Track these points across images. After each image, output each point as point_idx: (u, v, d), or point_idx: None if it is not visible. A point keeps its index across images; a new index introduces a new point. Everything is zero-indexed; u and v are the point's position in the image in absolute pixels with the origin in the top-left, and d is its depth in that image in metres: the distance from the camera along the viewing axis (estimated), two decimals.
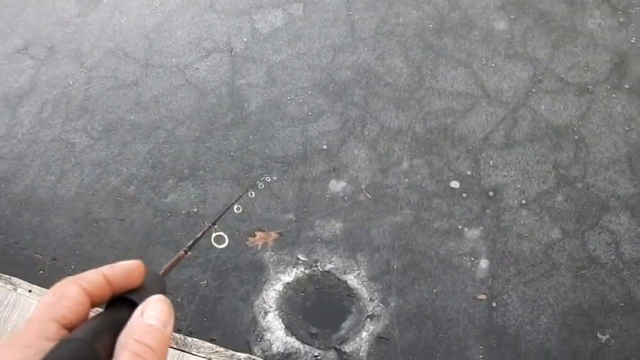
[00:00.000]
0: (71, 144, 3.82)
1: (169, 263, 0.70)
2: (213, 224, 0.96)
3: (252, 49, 4.15)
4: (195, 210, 3.45)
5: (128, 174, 3.65)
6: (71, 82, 4.14)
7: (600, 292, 3.08)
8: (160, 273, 0.65)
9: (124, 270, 0.56)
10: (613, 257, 3.17)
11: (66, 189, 3.63)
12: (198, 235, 0.86)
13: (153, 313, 0.52)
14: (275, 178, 3.53)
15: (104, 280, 0.54)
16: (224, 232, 0.99)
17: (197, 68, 4.10)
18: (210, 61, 4.13)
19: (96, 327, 0.50)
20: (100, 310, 0.55)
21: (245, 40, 4.21)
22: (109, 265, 0.56)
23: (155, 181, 3.60)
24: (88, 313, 0.53)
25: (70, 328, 0.51)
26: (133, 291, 0.56)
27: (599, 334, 2.97)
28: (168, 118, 3.86)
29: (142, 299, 0.54)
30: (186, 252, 0.78)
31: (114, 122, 3.89)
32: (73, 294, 0.52)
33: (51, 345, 0.47)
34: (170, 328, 0.53)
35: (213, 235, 0.96)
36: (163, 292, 0.60)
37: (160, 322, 0.52)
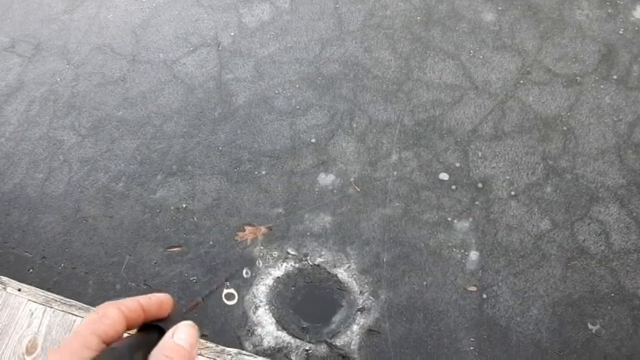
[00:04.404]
0: (59, 141, 3.79)
1: (188, 307, 0.79)
2: (226, 280, 1.06)
3: (239, 44, 4.13)
4: (184, 205, 3.44)
5: (117, 170, 3.63)
6: (58, 80, 4.11)
7: (590, 282, 3.09)
8: (183, 311, 0.74)
9: (158, 301, 0.67)
10: (603, 248, 3.18)
11: (54, 187, 3.60)
12: (213, 288, 0.96)
13: (182, 335, 0.63)
14: (264, 172, 3.52)
15: (140, 307, 0.64)
16: (234, 290, 1.07)
17: (184, 63, 4.08)
18: (197, 56, 4.11)
19: (132, 343, 0.60)
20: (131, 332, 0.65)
21: (232, 34, 4.19)
22: (146, 295, 0.66)
23: (144, 177, 3.58)
24: (123, 333, 0.62)
25: (108, 343, 0.59)
26: (161, 320, 0.67)
27: (589, 325, 2.97)
28: (156, 113, 3.84)
29: (169, 327, 0.64)
30: (202, 300, 0.86)
31: (102, 119, 3.87)
32: (113, 314, 0.61)
33: (92, 354, 0.56)
34: (195, 350, 0.63)
35: (225, 292, 1.06)
36: None
37: (187, 343, 0.62)
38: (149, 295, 0.66)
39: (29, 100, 4.02)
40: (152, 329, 0.65)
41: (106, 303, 0.62)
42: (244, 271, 1.23)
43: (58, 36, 4.39)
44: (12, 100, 4.04)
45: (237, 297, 1.04)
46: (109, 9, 4.50)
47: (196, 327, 0.65)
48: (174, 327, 0.63)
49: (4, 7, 4.66)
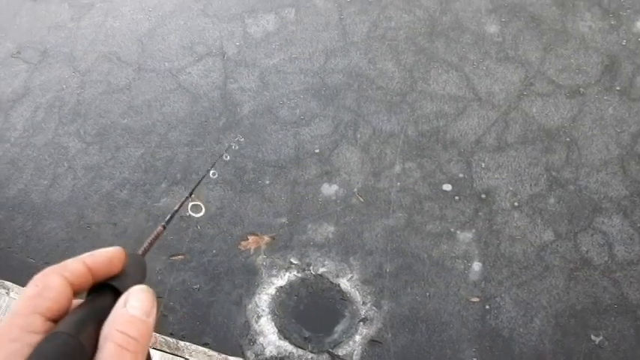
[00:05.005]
0: (64, 148, 3.81)
1: (148, 241, 0.69)
2: (190, 194, 0.93)
3: (244, 54, 4.16)
4: (187, 214, 3.42)
5: (121, 178, 3.64)
6: (64, 87, 4.14)
7: (593, 293, 3.08)
8: (139, 253, 0.64)
9: (105, 257, 0.56)
10: (606, 259, 3.18)
11: (59, 193, 3.62)
12: (175, 209, 0.84)
13: (135, 303, 0.52)
14: (267, 181, 3.53)
15: (86, 269, 0.54)
16: (200, 202, 0.97)
17: (190, 72, 4.10)
18: (202, 65, 4.13)
19: (80, 319, 0.50)
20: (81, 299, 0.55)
21: (237, 44, 4.22)
22: (90, 253, 0.55)
23: (148, 185, 3.60)
24: (70, 303, 0.52)
25: (55, 320, 0.50)
26: (114, 277, 0.56)
27: (592, 336, 2.97)
28: (161, 122, 3.86)
29: (124, 285, 0.55)
30: (164, 227, 0.76)
31: (107, 126, 3.89)
32: (56, 285, 0.51)
33: (37, 338, 0.47)
34: (153, 317, 0.53)
35: (190, 204, 0.94)
36: (144, 275, 0.61)
37: (142, 311, 0.51)
38: (94, 252, 0.55)
39: (35, 106, 4.05)
40: (105, 290, 0.55)
41: (46, 270, 0.52)
42: (211, 173, 1.13)
43: (64, 43, 4.42)
44: (18, 106, 4.06)
45: (204, 208, 0.92)
46: (116, 17, 4.53)
47: (151, 290, 0.54)
48: (126, 294, 0.53)
49: (12, 13, 4.70)
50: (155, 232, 0.71)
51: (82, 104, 4.02)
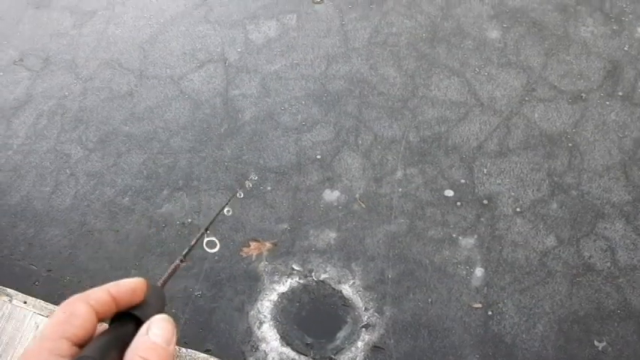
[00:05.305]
0: (66, 155, 3.82)
1: (166, 274, 0.73)
2: (206, 230, 0.99)
3: (246, 60, 4.17)
4: (189, 220, 3.45)
5: (123, 185, 3.65)
6: (66, 94, 4.15)
7: (596, 299, 3.07)
8: (159, 284, 0.68)
9: (129, 287, 0.60)
10: (609, 264, 3.17)
11: (61, 200, 3.62)
12: (192, 243, 0.89)
13: (157, 331, 0.56)
14: (269, 187, 3.53)
15: (110, 298, 0.58)
16: (215, 238, 1.01)
17: (191, 79, 4.11)
18: (204, 71, 4.14)
19: (104, 344, 0.54)
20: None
21: (239, 50, 4.23)
22: (114, 283, 0.60)
23: (150, 191, 3.60)
24: (95, 329, 0.56)
25: (81, 345, 0.54)
26: (136, 306, 0.61)
27: (595, 342, 2.96)
28: (163, 128, 3.87)
29: (145, 314, 0.60)
30: (182, 261, 0.81)
31: (109, 133, 3.89)
32: (82, 312, 0.55)
33: None
34: (173, 345, 0.57)
35: (205, 240, 0.99)
36: (164, 305, 0.65)
37: (164, 339, 0.56)
38: (119, 282, 0.60)
39: (37, 113, 4.06)
40: (127, 319, 0.60)
41: (73, 298, 0.56)
42: (225, 210, 1.17)
43: (66, 50, 4.43)
44: (20, 113, 4.07)
45: (218, 244, 0.97)
46: (118, 24, 4.55)
47: (172, 319, 0.59)
48: (148, 322, 0.57)
49: (14, 21, 4.72)
50: (173, 266, 0.77)
51: (84, 111, 4.03)
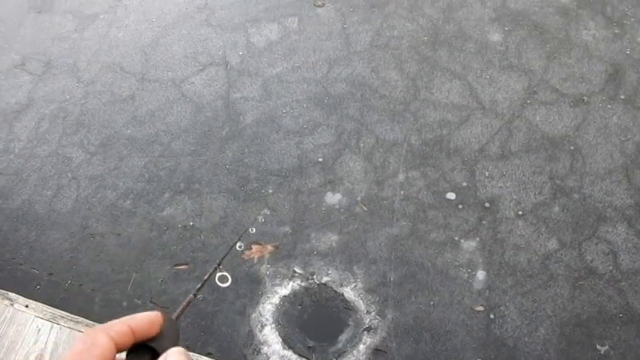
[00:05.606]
0: (68, 159, 3.82)
1: (180, 308, 0.78)
2: (218, 265, 1.04)
3: (247, 63, 4.17)
4: (191, 223, 3.45)
5: (124, 188, 3.65)
6: (68, 97, 4.15)
7: (598, 302, 3.06)
8: (174, 317, 0.72)
9: (146, 320, 0.64)
10: (611, 268, 3.16)
11: (62, 204, 3.62)
12: (204, 279, 0.94)
13: None
14: (271, 190, 3.53)
15: (129, 330, 0.61)
16: (227, 273, 1.05)
17: (193, 82, 4.11)
18: (205, 75, 4.15)
19: None
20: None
21: (240, 53, 4.23)
22: (132, 316, 0.63)
23: (151, 195, 3.60)
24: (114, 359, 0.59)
25: None
26: (152, 339, 0.64)
27: (598, 345, 2.95)
28: (165, 132, 3.87)
29: (161, 346, 0.63)
30: (195, 295, 0.85)
31: (110, 137, 3.90)
32: (102, 342, 0.58)
33: None
34: None
35: (218, 274, 1.04)
36: (178, 337, 0.70)
37: None
38: (136, 316, 0.64)
39: (39, 117, 4.06)
40: (144, 350, 0.63)
41: (94, 328, 0.59)
42: (237, 245, 1.20)
43: (68, 54, 4.44)
44: (22, 117, 4.08)
45: (230, 279, 1.00)
46: (119, 28, 4.56)
47: (187, 353, 0.63)
48: (165, 354, 0.61)
49: (16, 24, 4.73)
50: (187, 300, 0.81)
51: (86, 115, 4.04)
